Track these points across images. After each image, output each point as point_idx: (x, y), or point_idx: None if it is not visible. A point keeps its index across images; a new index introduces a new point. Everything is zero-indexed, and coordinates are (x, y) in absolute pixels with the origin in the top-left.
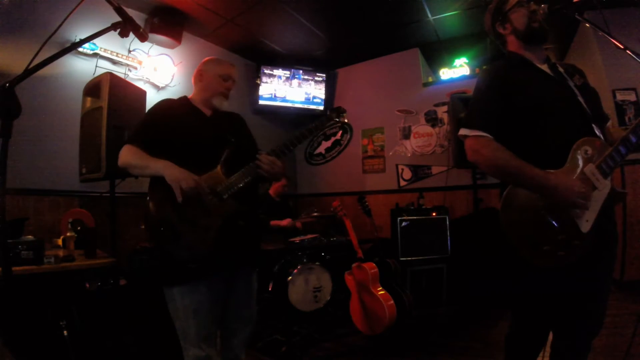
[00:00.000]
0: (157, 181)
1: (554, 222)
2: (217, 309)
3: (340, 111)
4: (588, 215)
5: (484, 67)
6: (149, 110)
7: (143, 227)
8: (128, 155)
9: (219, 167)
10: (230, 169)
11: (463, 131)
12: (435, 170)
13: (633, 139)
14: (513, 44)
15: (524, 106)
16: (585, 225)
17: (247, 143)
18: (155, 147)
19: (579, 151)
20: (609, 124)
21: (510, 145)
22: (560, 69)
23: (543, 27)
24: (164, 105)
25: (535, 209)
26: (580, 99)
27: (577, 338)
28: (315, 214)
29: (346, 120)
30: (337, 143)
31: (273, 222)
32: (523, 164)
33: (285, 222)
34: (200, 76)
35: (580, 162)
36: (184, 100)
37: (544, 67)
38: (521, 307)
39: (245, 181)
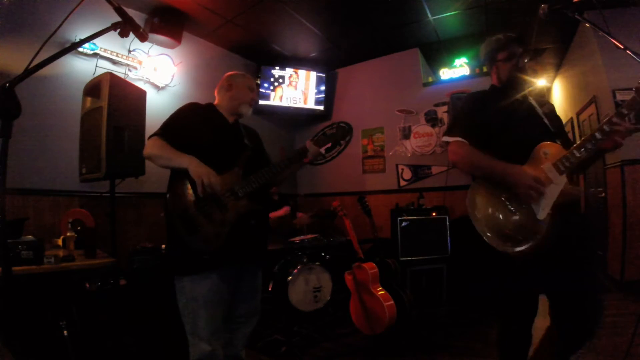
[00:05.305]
0: (179, 175)
1: (512, 208)
2: (226, 302)
3: (346, 131)
4: (544, 204)
5: (468, 94)
6: (178, 109)
7: (162, 214)
8: (154, 146)
9: (238, 168)
10: (247, 172)
11: (445, 138)
12: (435, 170)
13: (598, 135)
14: (495, 81)
15: (496, 122)
16: (541, 213)
17: (260, 153)
18: (180, 143)
19: (539, 152)
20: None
21: (485, 151)
22: (532, 100)
23: (522, 79)
24: (192, 107)
25: (497, 199)
26: (546, 121)
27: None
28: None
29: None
30: (337, 143)
31: (271, 215)
32: (491, 159)
33: (282, 211)
34: (230, 86)
35: (539, 161)
36: (210, 106)
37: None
38: (501, 304)
39: (261, 183)
